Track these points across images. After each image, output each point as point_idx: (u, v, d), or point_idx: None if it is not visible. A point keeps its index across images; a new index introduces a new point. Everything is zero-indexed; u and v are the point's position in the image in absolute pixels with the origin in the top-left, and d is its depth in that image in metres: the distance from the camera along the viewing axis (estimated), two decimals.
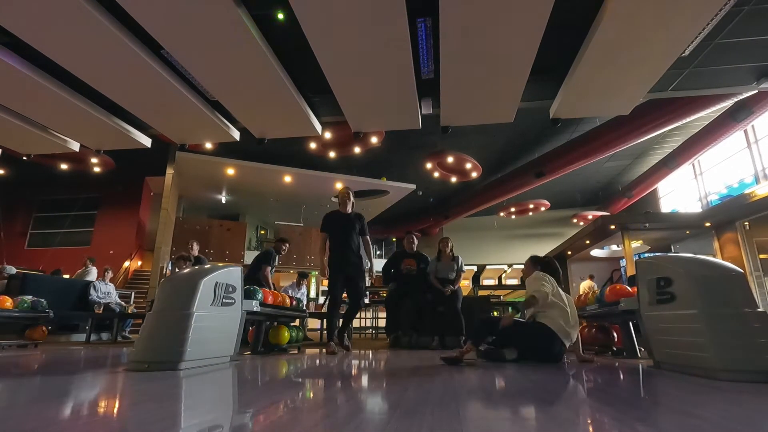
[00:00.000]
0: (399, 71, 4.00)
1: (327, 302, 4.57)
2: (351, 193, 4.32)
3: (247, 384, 1.98)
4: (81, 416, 1.25)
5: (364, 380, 2.05)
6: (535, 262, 3.30)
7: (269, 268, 5.33)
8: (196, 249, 6.28)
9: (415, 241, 5.36)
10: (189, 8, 3.26)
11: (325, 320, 4.89)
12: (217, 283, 2.70)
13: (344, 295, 4.21)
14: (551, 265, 3.23)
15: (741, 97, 6.53)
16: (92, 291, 6.51)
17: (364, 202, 13.64)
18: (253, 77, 4.16)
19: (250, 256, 12.80)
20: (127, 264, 12.11)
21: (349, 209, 4.25)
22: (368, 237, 4.30)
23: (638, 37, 3.54)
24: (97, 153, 5.99)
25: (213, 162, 11.00)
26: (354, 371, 2.42)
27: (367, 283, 4.82)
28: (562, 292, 3.11)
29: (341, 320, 4.31)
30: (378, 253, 18.17)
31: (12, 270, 6.47)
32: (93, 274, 7.87)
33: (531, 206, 13.16)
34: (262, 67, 3.98)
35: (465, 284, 5.43)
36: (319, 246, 4.25)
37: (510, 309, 4.84)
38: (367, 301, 8.11)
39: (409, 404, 1.36)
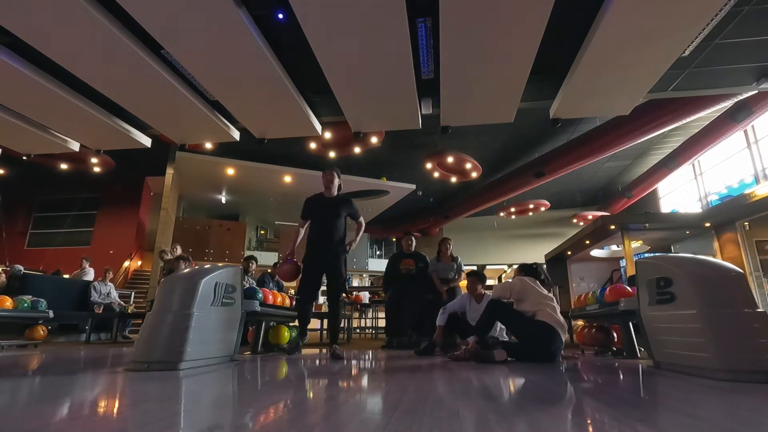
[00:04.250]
0: (399, 71, 4.00)
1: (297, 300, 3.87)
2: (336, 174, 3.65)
3: (247, 384, 1.98)
4: (81, 416, 1.25)
5: (364, 380, 2.06)
6: (519, 269, 3.59)
7: None
8: (179, 250, 6.32)
9: (414, 242, 5.36)
10: (189, 8, 3.26)
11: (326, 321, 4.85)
12: (217, 283, 2.70)
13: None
14: (535, 271, 3.47)
15: (741, 98, 6.52)
16: (93, 292, 6.51)
17: (364, 202, 13.63)
18: (253, 77, 4.16)
19: None
20: (127, 264, 12.11)
21: (334, 192, 3.65)
22: (361, 220, 3.78)
23: (638, 37, 3.54)
24: (97, 153, 5.99)
25: (213, 162, 11.00)
26: (354, 371, 2.42)
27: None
28: (546, 292, 3.29)
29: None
30: (378, 253, 18.17)
31: (20, 270, 6.46)
32: (90, 274, 7.86)
33: (531, 206, 13.15)
34: (262, 67, 3.98)
35: (464, 284, 5.45)
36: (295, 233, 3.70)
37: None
38: (367, 301, 8.12)
39: (409, 404, 1.36)
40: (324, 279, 3.58)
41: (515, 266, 3.95)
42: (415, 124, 5.00)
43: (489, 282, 5.08)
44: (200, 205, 14.69)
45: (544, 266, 3.65)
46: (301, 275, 3.51)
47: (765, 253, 7.55)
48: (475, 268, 15.91)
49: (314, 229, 3.47)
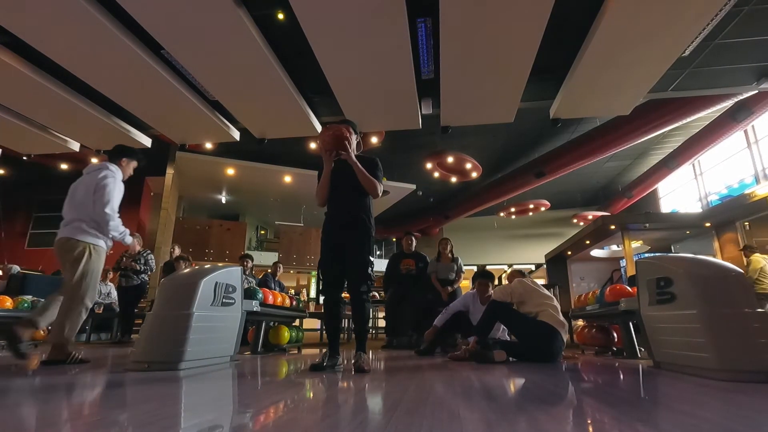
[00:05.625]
0: (399, 71, 4.00)
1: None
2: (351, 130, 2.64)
3: (247, 384, 1.98)
4: (81, 416, 1.25)
5: (364, 380, 2.05)
6: (513, 274, 3.69)
7: None
8: (177, 250, 6.31)
9: (414, 242, 5.36)
10: (189, 8, 3.26)
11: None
12: (217, 283, 2.70)
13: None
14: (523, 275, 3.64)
15: (741, 98, 6.52)
16: None
17: None
18: (253, 77, 4.16)
19: None
20: None
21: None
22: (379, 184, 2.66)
23: (638, 37, 3.54)
24: (97, 153, 6.00)
25: (213, 162, 11.00)
26: (354, 371, 2.41)
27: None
28: (547, 292, 3.32)
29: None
30: (378, 253, 18.16)
31: (16, 269, 6.48)
32: None
33: (531, 206, 13.14)
34: (262, 67, 3.98)
35: (465, 284, 5.46)
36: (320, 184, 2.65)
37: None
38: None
39: (409, 404, 1.36)
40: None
41: (514, 266, 3.97)
42: (415, 124, 5.00)
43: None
44: (200, 205, 14.68)
45: (544, 265, 3.72)
46: (318, 270, 2.66)
47: (765, 252, 7.55)
48: (475, 268, 15.88)
49: (331, 200, 2.65)
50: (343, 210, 2.61)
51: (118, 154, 3.19)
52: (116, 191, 2.97)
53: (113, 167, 3.07)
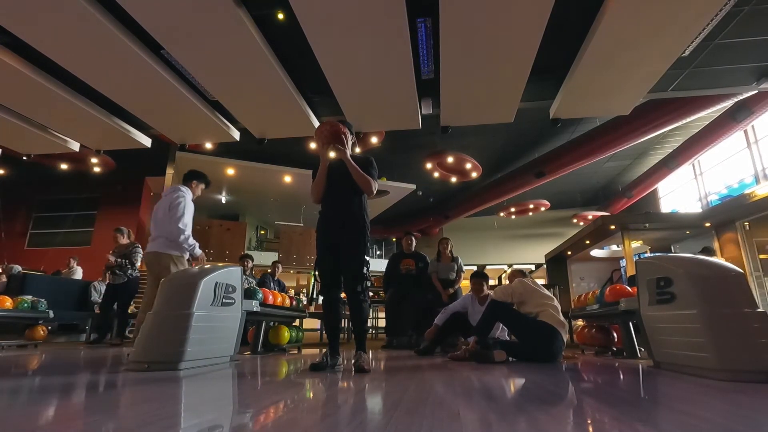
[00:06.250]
0: (399, 71, 4.00)
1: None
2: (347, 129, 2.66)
3: (247, 384, 1.98)
4: (81, 416, 1.25)
5: (364, 380, 2.05)
6: (514, 273, 3.74)
7: None
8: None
9: (414, 242, 5.36)
10: (189, 8, 3.26)
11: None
12: (217, 283, 2.70)
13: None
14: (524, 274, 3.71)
15: (741, 98, 6.52)
16: (93, 292, 6.53)
17: None
18: (253, 77, 4.16)
19: None
20: None
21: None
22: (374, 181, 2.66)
23: (638, 37, 3.54)
24: (97, 153, 5.99)
25: (213, 162, 10.99)
26: (354, 371, 2.41)
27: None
28: (547, 292, 3.33)
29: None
30: (378, 253, 18.16)
31: (17, 269, 6.49)
32: (78, 273, 7.89)
33: (531, 206, 13.13)
34: (262, 67, 3.98)
35: (465, 284, 5.46)
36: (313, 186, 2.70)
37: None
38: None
39: (409, 404, 1.36)
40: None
41: (514, 266, 4.02)
42: (415, 124, 5.00)
43: (490, 282, 5.08)
44: (200, 205, 14.60)
45: (544, 265, 3.76)
46: (316, 271, 2.65)
47: (765, 252, 7.55)
48: (475, 268, 15.94)
49: (326, 198, 2.65)
50: (337, 209, 2.60)
51: (189, 178, 3.79)
52: (188, 209, 3.46)
53: (185, 188, 3.62)
